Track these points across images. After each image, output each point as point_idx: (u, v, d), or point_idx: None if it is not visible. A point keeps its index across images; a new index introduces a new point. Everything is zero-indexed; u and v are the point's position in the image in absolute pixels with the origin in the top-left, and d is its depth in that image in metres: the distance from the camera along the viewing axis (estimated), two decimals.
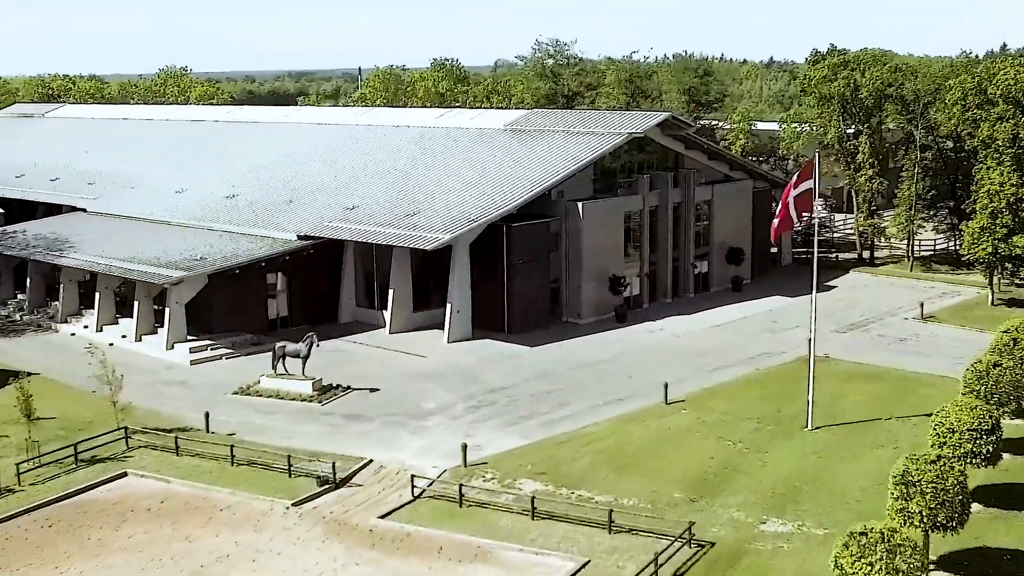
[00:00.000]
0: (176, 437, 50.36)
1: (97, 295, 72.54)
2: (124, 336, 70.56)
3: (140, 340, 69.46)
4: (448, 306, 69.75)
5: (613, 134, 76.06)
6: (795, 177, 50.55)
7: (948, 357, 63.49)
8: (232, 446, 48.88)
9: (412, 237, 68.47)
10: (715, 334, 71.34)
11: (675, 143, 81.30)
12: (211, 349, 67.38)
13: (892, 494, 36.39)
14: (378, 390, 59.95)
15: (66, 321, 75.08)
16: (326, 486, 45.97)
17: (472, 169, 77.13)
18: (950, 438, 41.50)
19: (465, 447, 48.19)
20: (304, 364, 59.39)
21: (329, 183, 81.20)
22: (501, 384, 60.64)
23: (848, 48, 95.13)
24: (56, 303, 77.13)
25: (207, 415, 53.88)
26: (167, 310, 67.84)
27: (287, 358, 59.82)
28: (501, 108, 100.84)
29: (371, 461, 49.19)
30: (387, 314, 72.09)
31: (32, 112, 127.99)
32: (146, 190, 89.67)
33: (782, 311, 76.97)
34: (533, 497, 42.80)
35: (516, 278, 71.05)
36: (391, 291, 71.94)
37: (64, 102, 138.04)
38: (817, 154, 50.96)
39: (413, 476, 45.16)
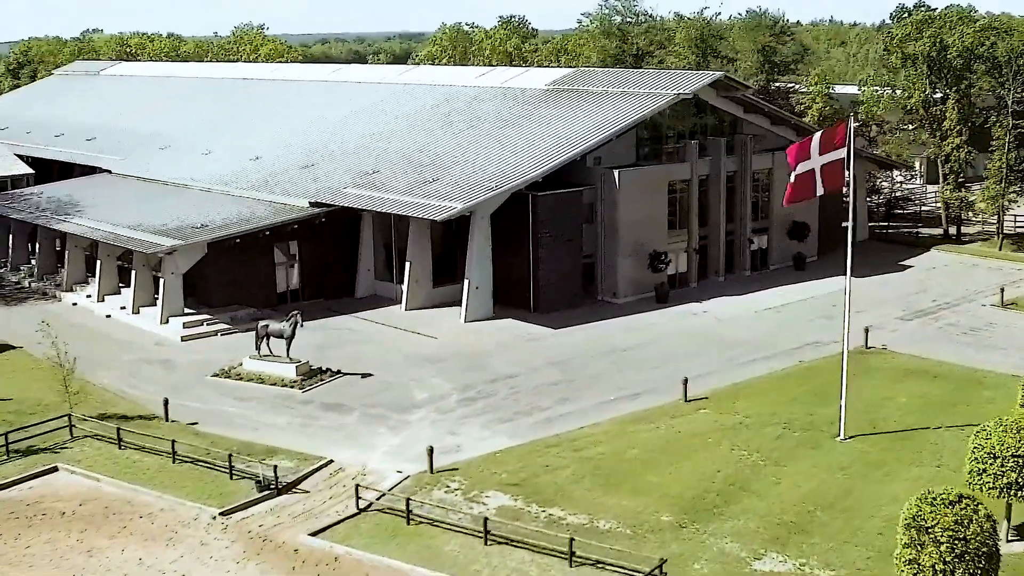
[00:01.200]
0: (119, 428, 45.18)
1: (98, 263, 68.05)
2: (123, 308, 65.94)
3: (138, 312, 64.79)
4: (465, 282, 63.57)
5: (659, 95, 68.77)
6: (818, 136, 42.90)
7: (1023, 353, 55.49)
8: (173, 441, 43.49)
9: (422, 206, 62.43)
10: (763, 319, 64.02)
11: (732, 106, 73.71)
12: (207, 324, 62.41)
13: (902, 540, 29.35)
14: (371, 375, 54.26)
15: (71, 290, 70.88)
16: (266, 492, 40.34)
17: (505, 132, 70.68)
18: (990, 465, 34.12)
19: (431, 451, 42.13)
20: (289, 345, 53.94)
21: (355, 146, 75.60)
22: (508, 372, 54.45)
23: (935, 6, 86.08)
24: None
25: (166, 401, 48.74)
26: (161, 281, 62.92)
27: (271, 338, 54.33)
28: (549, 67, 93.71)
29: (330, 462, 43.54)
30: (403, 289, 66.19)
31: (87, 70, 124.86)
32: (175, 151, 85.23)
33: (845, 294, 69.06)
34: (486, 519, 36.49)
35: (542, 253, 64.57)
36: (407, 264, 66.11)
37: (121, 60, 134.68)
38: (851, 116, 43.26)
39: (358, 487, 39.17)
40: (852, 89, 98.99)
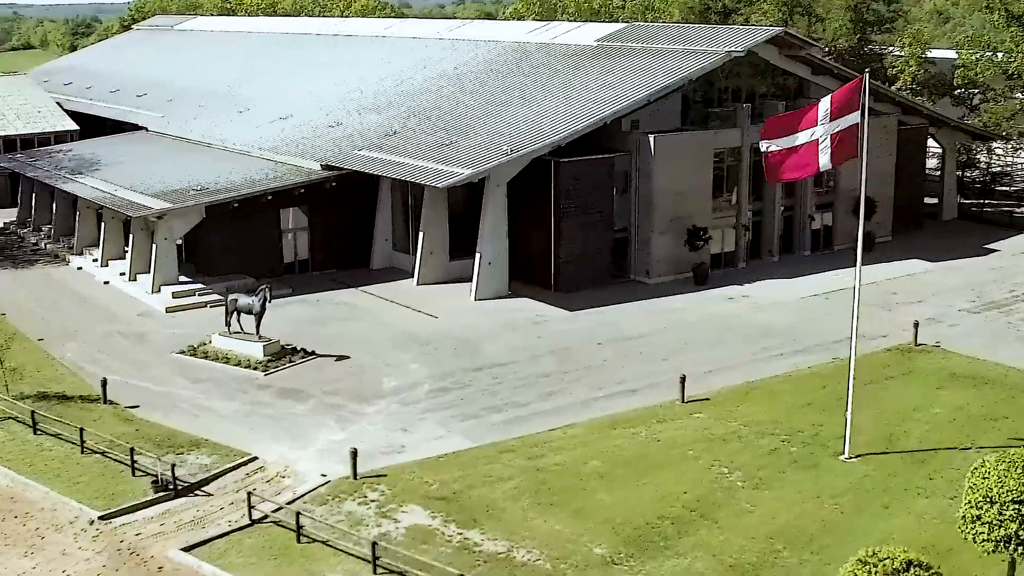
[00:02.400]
0: (33, 412, 41.02)
1: (102, 226, 64.45)
2: (122, 274, 62.21)
3: (135, 279, 60.95)
4: (477, 257, 57.96)
5: (709, 53, 61.79)
6: (828, 102, 35.98)
7: None
8: (82, 429, 39.12)
9: (428, 171, 56.93)
10: (808, 307, 56.94)
11: (799, 67, 66.21)
12: (198, 295, 58.18)
13: None
14: (347, 358, 49.26)
15: (80, 253, 67.56)
16: (163, 493, 35.62)
17: (541, 92, 64.58)
18: (986, 511, 27.30)
19: (355, 455, 36.81)
20: (258, 322, 49.24)
21: (387, 104, 70.42)
22: (499, 359, 48.85)
23: None
24: None
25: (104, 382, 44.48)
26: (153, 247, 58.87)
27: (240, 314, 49.69)
28: (604, 22, 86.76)
29: (254, 459, 38.62)
30: (416, 262, 60.96)
31: (162, 25, 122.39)
32: (213, 109, 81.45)
33: (912, 280, 61.60)
34: (375, 543, 31.03)
35: (564, 226, 58.59)
36: (420, 235, 60.76)
37: (197, 15, 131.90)
38: (867, 74, 36.17)
39: (250, 495, 34.10)
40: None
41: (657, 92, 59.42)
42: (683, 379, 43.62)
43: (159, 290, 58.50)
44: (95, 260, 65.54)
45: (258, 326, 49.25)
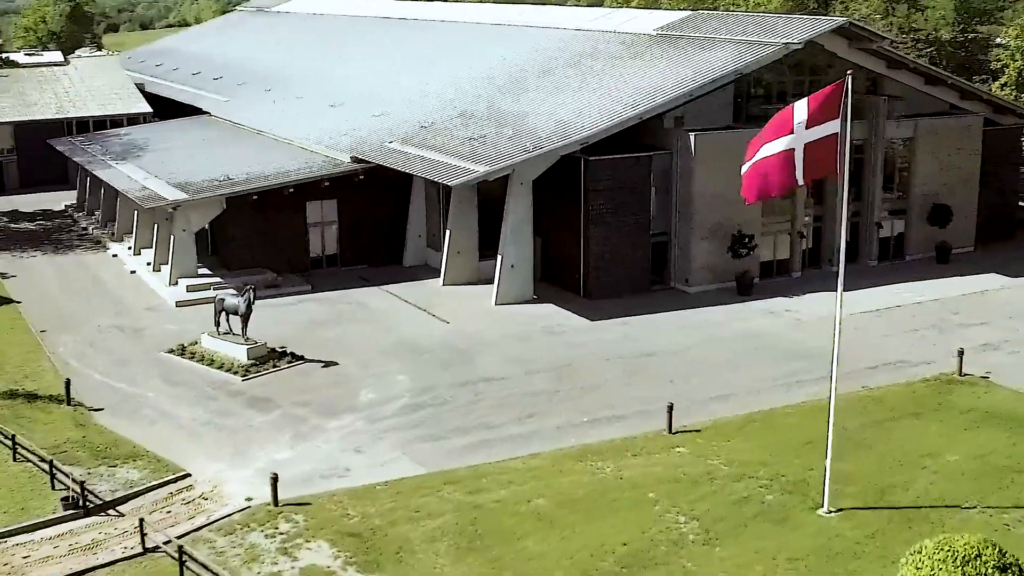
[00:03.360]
0: None
1: (136, 214, 63.27)
2: (149, 264, 60.94)
3: (158, 270, 59.55)
4: (498, 259, 54.69)
5: (764, 45, 57.07)
6: (804, 108, 31.52)
7: None
8: (14, 436, 37.36)
9: (447, 167, 53.84)
10: (856, 325, 51.74)
11: (872, 60, 60.80)
12: (214, 289, 56.26)
13: None
14: (334, 364, 46.71)
15: (120, 240, 66.70)
16: (72, 511, 33.53)
17: (587, 84, 60.73)
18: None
19: (275, 481, 34.06)
20: (244, 324, 47.02)
21: (434, 93, 67.35)
22: (492, 373, 45.61)
23: None
24: None
25: (68, 383, 42.80)
26: (171, 238, 57.32)
27: (228, 314, 47.55)
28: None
29: (186, 476, 36.29)
30: (442, 261, 58.03)
31: (263, 6, 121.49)
32: (275, 95, 79.87)
33: (983, 298, 55.97)
34: None
35: (595, 228, 54.88)
36: (447, 233, 57.77)
37: None
38: (850, 76, 31.60)
39: (142, 520, 31.64)
40: None
41: (699, 88, 55.04)
42: (670, 408, 39.64)
43: (176, 283, 56.87)
44: (129, 248, 64.45)
45: (244, 328, 47.05)
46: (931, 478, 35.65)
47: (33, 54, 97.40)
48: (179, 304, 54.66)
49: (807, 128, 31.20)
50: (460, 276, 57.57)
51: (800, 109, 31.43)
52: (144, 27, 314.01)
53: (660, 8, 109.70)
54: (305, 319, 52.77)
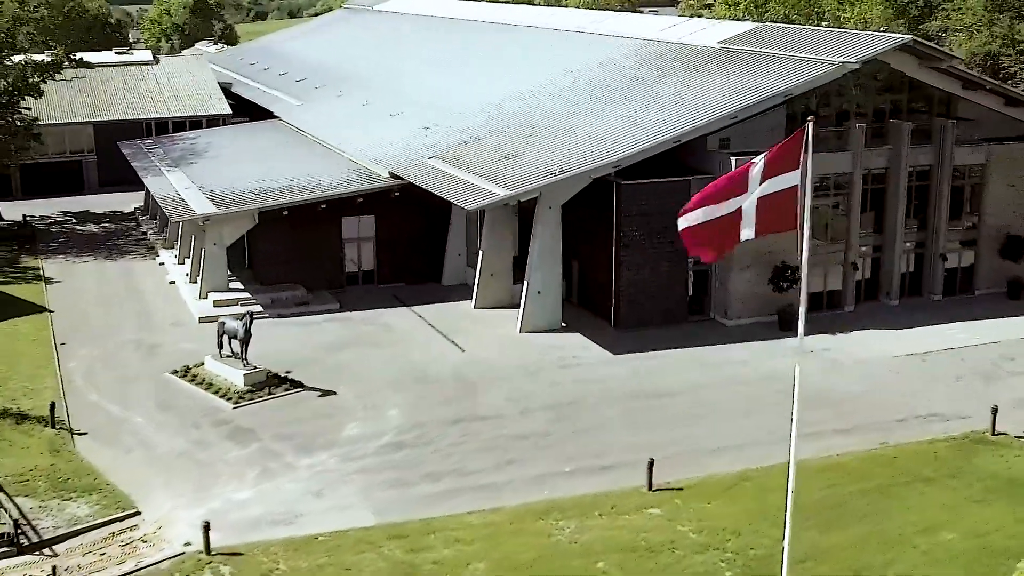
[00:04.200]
0: None
1: (180, 223, 63.19)
2: (188, 275, 60.78)
3: (194, 282, 59.28)
4: (524, 286, 52.73)
5: (819, 64, 53.70)
6: (760, 161, 28.66)
7: None
8: None
9: (469, 189, 52.06)
10: (896, 369, 48.46)
11: (945, 80, 56.69)
12: (241, 305, 55.72)
13: None
14: (332, 394, 45.43)
15: (171, 247, 66.82)
16: (5, 550, 32.95)
17: (634, 101, 58.14)
18: None
19: (207, 529, 32.84)
20: (244, 348, 46.14)
21: (487, 106, 65.39)
22: (489, 411, 43.80)
23: None
24: None
25: (52, 406, 42.51)
26: (201, 252, 56.97)
27: (229, 337, 46.74)
28: (738, 20, 77.83)
29: (136, 514, 35.46)
30: (475, 283, 56.35)
31: (365, 4, 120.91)
32: (344, 100, 78.95)
33: None
34: None
35: (627, 255, 52.51)
36: (480, 255, 56.02)
37: None
38: (810, 124, 28.62)
39: (55, 568, 30.75)
40: None
41: (743, 111, 51.95)
42: (651, 464, 37.16)
43: (206, 296, 56.46)
44: (176, 256, 64.48)
45: (244, 352, 46.16)
46: (917, 560, 32.50)
47: (123, 52, 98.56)
48: (202, 320, 54.10)
49: (762, 181, 28.32)
50: (493, 299, 55.77)
51: (757, 163, 28.63)
52: (292, 15, 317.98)
53: (765, 12, 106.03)
54: (323, 340, 51.71)
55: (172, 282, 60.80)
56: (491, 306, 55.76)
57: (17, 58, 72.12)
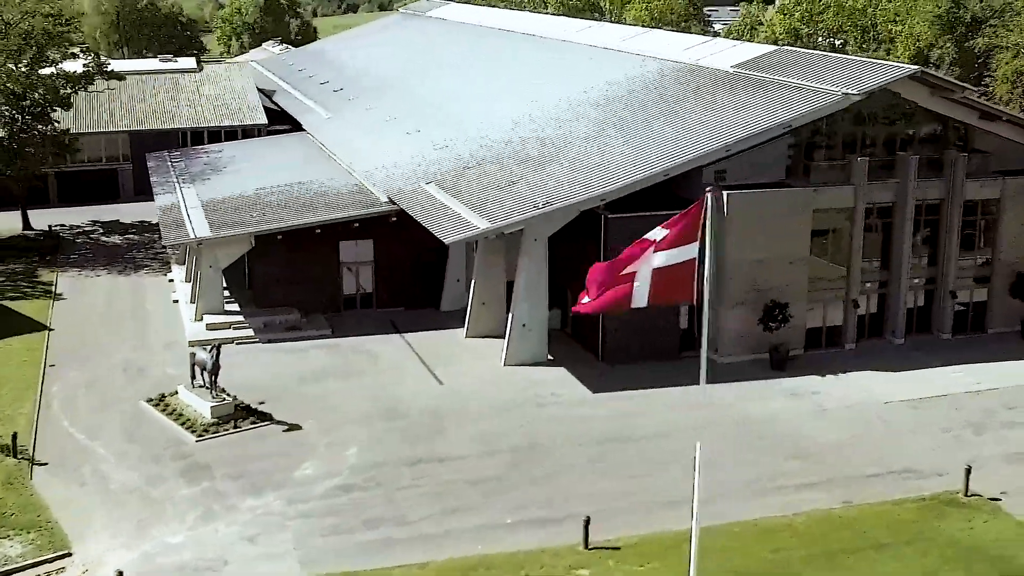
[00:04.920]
0: None
1: None
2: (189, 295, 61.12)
3: (193, 302, 59.51)
4: (509, 318, 52.01)
5: (822, 95, 52.09)
6: (658, 232, 27.77)
7: None
8: None
9: (453, 220, 51.45)
10: (883, 417, 46.81)
11: (960, 110, 54.63)
12: (234, 328, 55.87)
13: None
14: (298, 429, 45.26)
15: (182, 262, 67.20)
16: None
17: (635, 127, 56.95)
18: None
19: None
20: (212, 380, 46.14)
21: (498, 125, 64.53)
22: (451, 451, 43.23)
23: None
24: None
25: (14, 436, 42.96)
26: (198, 274, 57.22)
27: (200, 368, 46.80)
28: (755, 42, 75.50)
29: (66, 555, 35.68)
30: (466, 313, 55.78)
31: (417, 11, 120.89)
32: (373, 114, 78.68)
33: None
34: None
35: None
36: (472, 283, 55.42)
37: (450, 2, 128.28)
38: (709, 194, 27.61)
39: None
40: None
41: (738, 143, 50.58)
42: (587, 522, 36.22)
43: (202, 318, 56.68)
44: (185, 273, 64.88)
45: (212, 384, 46.19)
46: None
47: (168, 59, 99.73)
48: (192, 344, 54.18)
49: (656, 251, 27.38)
50: (484, 328, 55.11)
51: (655, 234, 27.76)
52: (383, 7, 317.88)
53: (821, 22, 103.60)
54: (305, 369, 51.55)
55: (176, 301, 61.10)
56: (483, 335, 55.10)
57: (47, 71, 72.95)
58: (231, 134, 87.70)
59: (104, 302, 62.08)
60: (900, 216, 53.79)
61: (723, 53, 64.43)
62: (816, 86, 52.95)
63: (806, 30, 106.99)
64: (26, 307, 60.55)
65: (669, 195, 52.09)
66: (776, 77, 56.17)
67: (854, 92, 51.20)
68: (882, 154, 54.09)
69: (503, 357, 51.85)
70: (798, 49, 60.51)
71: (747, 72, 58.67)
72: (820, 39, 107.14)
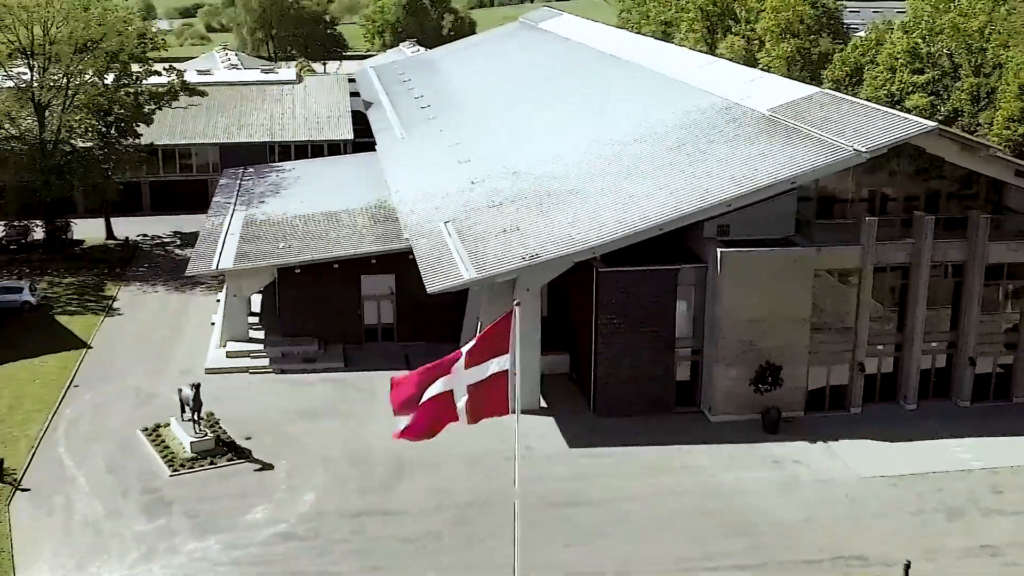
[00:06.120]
0: None
1: None
2: None
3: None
4: None
5: (833, 150, 50.70)
6: (469, 346, 27.97)
7: None
8: None
9: (446, 266, 52.13)
10: (856, 495, 45.47)
11: (996, 168, 52.30)
12: (252, 357, 57.94)
13: None
14: (269, 469, 46.97)
15: None
16: None
17: (658, 173, 56.21)
18: None
19: None
20: (194, 415, 48.16)
21: (542, 160, 64.35)
22: (398, 505, 44.31)
23: None
24: None
25: (1, 461, 45.82)
26: (221, 302, 59.52)
27: (184, 404, 48.92)
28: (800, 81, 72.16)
29: None
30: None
31: (533, 20, 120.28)
32: (438, 138, 79.40)
33: None
34: None
35: (605, 343, 51.39)
36: (479, 324, 55.95)
37: (562, 12, 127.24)
38: (517, 308, 27.63)
39: None
40: None
41: (739, 199, 49.80)
42: None
43: (225, 344, 58.94)
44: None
45: (195, 420, 48.12)
46: None
47: (269, 71, 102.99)
48: (208, 371, 56.45)
49: (468, 367, 27.65)
50: None
51: (466, 349, 28.06)
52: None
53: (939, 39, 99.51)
54: (301, 405, 53.10)
55: (212, 323, 63.47)
56: None
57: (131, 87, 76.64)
58: (318, 149, 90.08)
59: (150, 320, 64.93)
60: (915, 277, 51.82)
61: (771, 92, 62.70)
62: (834, 139, 51.39)
63: (926, 49, 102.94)
64: (76, 323, 63.84)
65: (679, 245, 51.85)
66: (803, 125, 54.66)
67: (863, 149, 49.53)
68: (901, 210, 52.20)
69: None
70: (838, 94, 58.26)
71: (779, 117, 57.23)
72: (938, 59, 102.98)
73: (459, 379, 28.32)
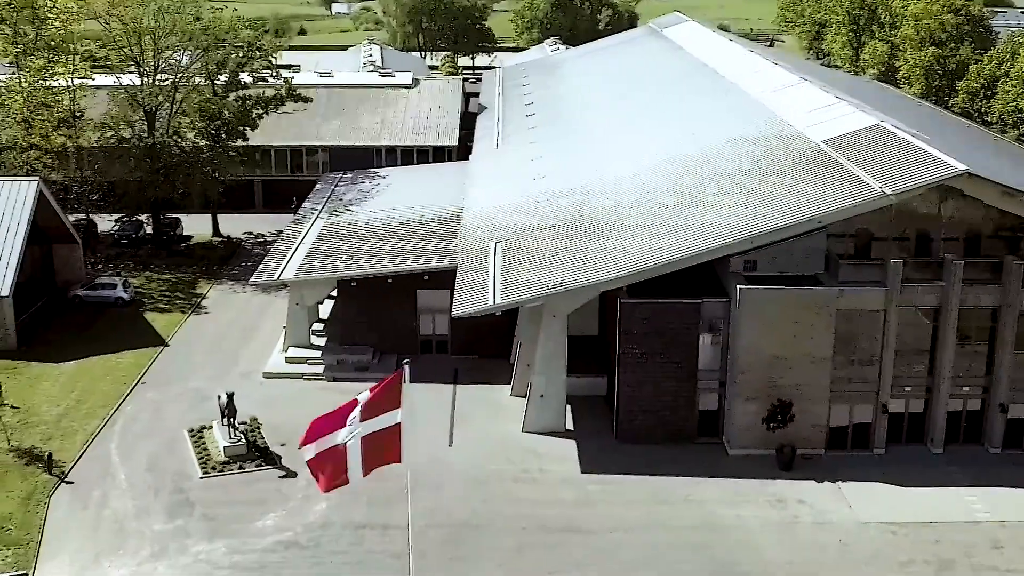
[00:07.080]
0: None
1: None
2: None
3: None
4: (529, 387, 54.41)
5: (865, 191, 50.77)
6: (365, 396, 30.02)
7: None
8: None
9: (476, 290, 54.19)
10: (849, 541, 45.68)
11: None
12: (308, 364, 61.29)
13: None
14: (292, 476, 50.07)
15: None
16: None
17: (699, 204, 56.86)
18: None
19: None
20: (228, 422, 51.70)
21: (593, 184, 65.70)
22: (398, 520, 46.00)
23: None
24: None
25: (49, 456, 50.25)
26: (287, 310, 63.07)
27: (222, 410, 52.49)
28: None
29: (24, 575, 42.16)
30: (512, 372, 58.52)
31: (661, 25, 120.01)
32: (529, 150, 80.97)
33: None
34: None
35: (627, 373, 52.74)
36: (518, 345, 58.01)
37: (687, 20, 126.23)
38: (406, 367, 29.58)
39: None
40: None
41: (761, 237, 50.35)
42: None
43: (287, 350, 62.43)
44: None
45: (229, 425, 51.51)
46: None
47: (387, 74, 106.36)
48: (266, 376, 59.98)
49: (363, 420, 29.83)
50: (526, 389, 57.38)
51: (361, 401, 30.28)
52: None
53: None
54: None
55: (284, 327, 66.95)
56: (525, 396, 57.28)
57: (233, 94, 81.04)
58: (423, 154, 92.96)
59: (230, 320, 68.88)
60: (944, 320, 51.29)
61: (836, 122, 62.40)
62: (866, 178, 51.34)
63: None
64: (161, 320, 68.30)
65: (711, 276, 52.69)
66: (845, 161, 54.61)
67: (889, 192, 49.39)
68: (934, 252, 51.78)
69: (522, 423, 54.16)
70: (896, 131, 57.52)
71: (827, 150, 57.18)
72: None
73: (354, 433, 30.46)
